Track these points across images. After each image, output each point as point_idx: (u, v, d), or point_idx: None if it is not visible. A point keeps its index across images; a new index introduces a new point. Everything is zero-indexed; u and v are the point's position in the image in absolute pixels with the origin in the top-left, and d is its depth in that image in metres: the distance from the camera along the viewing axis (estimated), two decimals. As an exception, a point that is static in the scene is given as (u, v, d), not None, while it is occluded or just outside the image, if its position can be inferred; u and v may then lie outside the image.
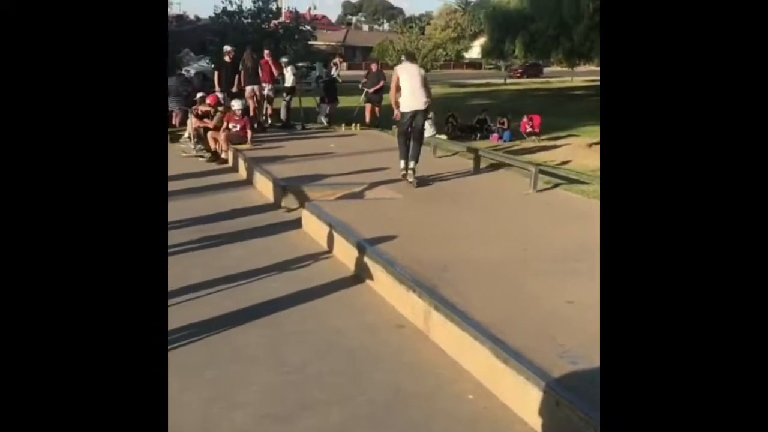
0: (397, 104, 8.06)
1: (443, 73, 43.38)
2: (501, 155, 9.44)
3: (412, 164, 8.10)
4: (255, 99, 12.88)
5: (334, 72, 17.08)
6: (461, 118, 16.74)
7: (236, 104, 10.61)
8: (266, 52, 13.42)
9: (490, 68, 59.36)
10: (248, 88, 12.74)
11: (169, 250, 5.59)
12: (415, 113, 7.94)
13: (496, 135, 15.64)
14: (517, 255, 5.25)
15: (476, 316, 3.91)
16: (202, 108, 11.21)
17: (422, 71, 8.40)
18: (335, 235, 5.77)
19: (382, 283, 4.88)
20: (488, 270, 4.85)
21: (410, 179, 8.06)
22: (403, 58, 9.46)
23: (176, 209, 7.09)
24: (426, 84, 8.07)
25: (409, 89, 7.96)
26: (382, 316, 4.54)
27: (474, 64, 63.09)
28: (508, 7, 30.56)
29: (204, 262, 5.48)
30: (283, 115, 14.19)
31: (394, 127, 14.69)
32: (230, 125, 10.46)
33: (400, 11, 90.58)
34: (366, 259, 5.13)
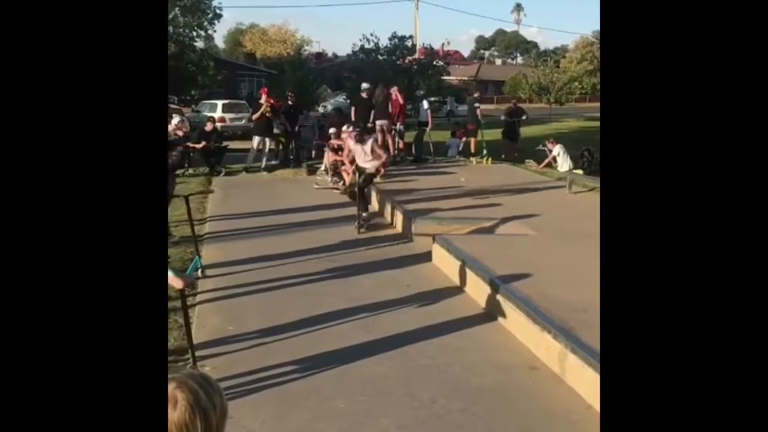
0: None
1: (578, 107, 42.20)
2: (642, 192, 8.94)
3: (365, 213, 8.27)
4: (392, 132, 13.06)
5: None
6: (598, 152, 16.16)
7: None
8: (395, 87, 13.65)
9: (628, 101, 57.16)
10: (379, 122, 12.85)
11: (303, 279, 5.86)
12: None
13: (635, 170, 14.92)
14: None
15: (617, 363, 3.69)
16: (335, 142, 11.62)
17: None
18: (467, 270, 5.70)
19: (515, 322, 4.75)
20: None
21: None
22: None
23: (310, 239, 7.35)
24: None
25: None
26: (515, 356, 4.41)
27: (611, 97, 61.04)
28: (650, 38, 29.42)
29: (337, 292, 5.60)
30: (414, 148, 14.37)
31: (527, 160, 14.56)
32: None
33: (535, 45, 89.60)
34: (499, 297, 5.02)
